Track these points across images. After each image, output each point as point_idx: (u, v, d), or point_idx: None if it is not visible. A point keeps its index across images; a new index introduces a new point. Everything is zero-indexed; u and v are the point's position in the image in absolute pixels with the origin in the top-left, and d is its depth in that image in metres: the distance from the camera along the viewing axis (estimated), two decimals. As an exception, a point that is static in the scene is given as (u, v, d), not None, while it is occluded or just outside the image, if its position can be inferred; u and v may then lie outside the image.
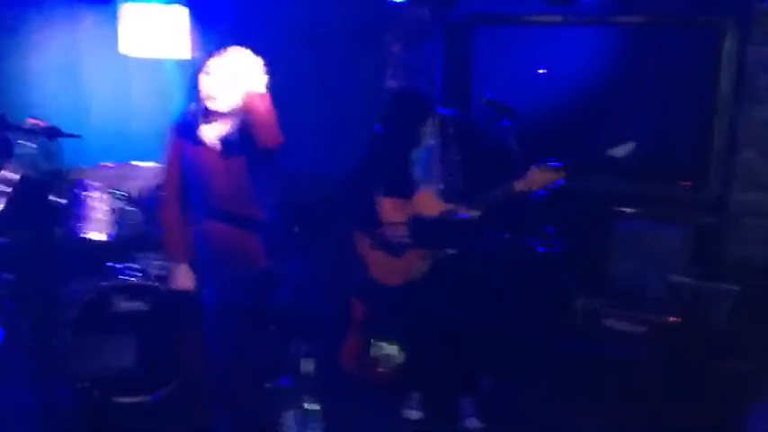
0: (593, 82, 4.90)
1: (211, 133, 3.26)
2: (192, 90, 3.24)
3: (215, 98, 3.18)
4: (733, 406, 3.66)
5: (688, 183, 4.75)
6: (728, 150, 4.59)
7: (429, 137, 3.79)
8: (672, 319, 4.12)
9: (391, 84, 5.36)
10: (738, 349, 3.97)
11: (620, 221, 4.75)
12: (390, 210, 3.83)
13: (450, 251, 3.72)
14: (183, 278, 3.31)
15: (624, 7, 4.73)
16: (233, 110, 3.22)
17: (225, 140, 3.25)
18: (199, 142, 3.25)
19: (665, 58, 4.80)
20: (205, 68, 3.17)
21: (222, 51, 3.19)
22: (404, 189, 3.81)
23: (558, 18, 4.96)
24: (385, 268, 3.84)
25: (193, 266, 3.33)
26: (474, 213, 3.60)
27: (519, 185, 3.52)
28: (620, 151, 4.34)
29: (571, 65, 4.94)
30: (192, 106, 3.26)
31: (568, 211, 4.51)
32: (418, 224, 3.70)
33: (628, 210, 4.78)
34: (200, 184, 3.27)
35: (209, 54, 3.21)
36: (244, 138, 3.23)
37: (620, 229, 4.73)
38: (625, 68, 4.88)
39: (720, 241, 4.55)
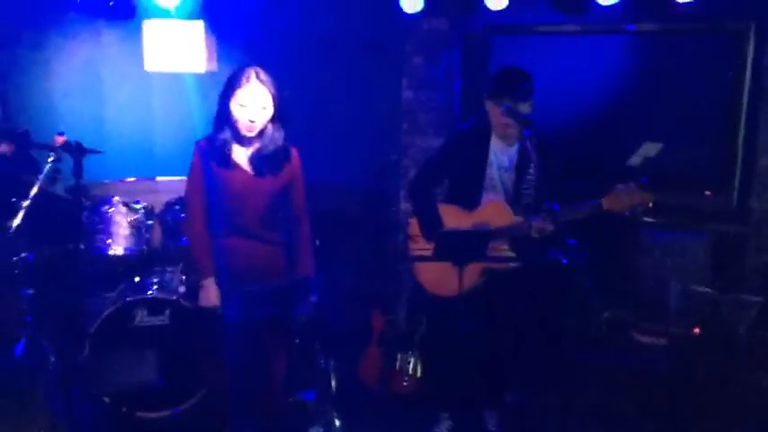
0: (613, 91, 4.86)
1: (243, 156, 3.33)
2: (223, 116, 3.27)
3: (252, 127, 3.26)
4: (755, 417, 3.61)
5: (710, 191, 4.69)
6: (750, 158, 4.54)
7: (510, 146, 3.68)
8: (694, 329, 4.08)
9: (408, 94, 5.37)
10: (761, 360, 3.92)
11: (641, 231, 4.70)
12: (452, 219, 3.72)
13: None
14: (210, 293, 3.33)
15: (642, 15, 4.69)
16: (265, 129, 3.30)
17: (257, 161, 3.32)
18: (230, 165, 3.30)
19: (685, 65, 4.75)
20: (236, 98, 3.22)
21: (248, 80, 3.22)
22: (466, 196, 3.71)
23: (575, 27, 4.94)
24: (439, 277, 3.69)
25: (218, 281, 3.35)
26: (548, 227, 3.40)
27: (606, 204, 3.28)
28: (651, 150, 4.28)
29: (590, 74, 4.91)
30: (224, 133, 3.29)
31: (590, 221, 4.48)
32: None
33: (649, 219, 4.73)
34: (228, 202, 3.32)
35: (236, 81, 3.23)
36: (275, 158, 3.32)
37: (641, 238, 4.68)
38: (644, 77, 4.83)
39: (742, 250, 4.49)
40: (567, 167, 3.53)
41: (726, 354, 3.97)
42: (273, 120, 3.29)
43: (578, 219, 3.40)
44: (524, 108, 3.53)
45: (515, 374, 3.99)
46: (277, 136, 3.32)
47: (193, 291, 3.90)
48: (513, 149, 3.67)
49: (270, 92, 3.24)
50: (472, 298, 3.64)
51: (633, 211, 3.27)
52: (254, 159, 3.32)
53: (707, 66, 4.69)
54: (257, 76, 3.23)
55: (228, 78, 3.28)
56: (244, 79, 3.22)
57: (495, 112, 3.59)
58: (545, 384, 4.30)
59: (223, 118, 3.29)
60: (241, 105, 3.22)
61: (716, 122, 4.67)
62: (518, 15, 4.87)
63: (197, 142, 3.36)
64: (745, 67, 4.54)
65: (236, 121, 3.25)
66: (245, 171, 3.31)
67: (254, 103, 3.22)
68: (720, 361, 3.95)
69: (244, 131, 3.26)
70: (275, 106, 3.27)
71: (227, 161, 3.30)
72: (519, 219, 3.53)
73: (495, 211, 3.62)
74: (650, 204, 3.24)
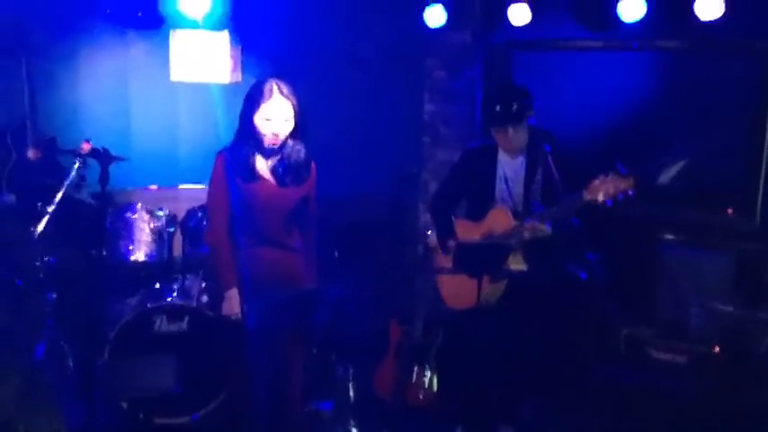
0: (635, 107, 4.84)
1: (265, 167, 3.36)
2: (246, 130, 3.30)
3: (277, 140, 3.28)
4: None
5: (732, 210, 4.65)
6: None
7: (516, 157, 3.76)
8: (715, 348, 4.03)
9: (429, 107, 5.39)
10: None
11: (662, 248, 4.67)
12: (463, 231, 3.84)
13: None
14: (233, 303, 3.35)
15: (666, 32, 4.67)
16: (286, 141, 3.33)
17: (280, 172, 3.35)
18: (255, 177, 3.33)
19: (709, 83, 4.72)
20: (261, 112, 3.24)
21: (272, 93, 3.24)
22: (479, 210, 3.81)
23: (598, 43, 4.93)
24: (458, 291, 3.77)
25: (242, 290, 3.37)
26: (543, 229, 3.51)
27: (587, 195, 3.36)
28: (672, 172, 4.25)
29: (612, 90, 4.90)
30: (247, 146, 3.31)
31: (611, 237, 4.46)
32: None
33: (670, 236, 4.70)
34: (254, 213, 3.34)
35: (259, 95, 3.25)
36: (299, 170, 3.36)
37: (662, 255, 4.65)
38: (667, 94, 4.81)
39: (764, 269, 4.44)
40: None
41: (746, 372, 3.92)
42: (294, 131, 3.33)
43: (565, 212, 3.47)
44: (522, 125, 3.62)
45: (531, 389, 3.96)
46: (298, 147, 3.35)
47: (213, 298, 3.95)
48: (518, 161, 3.75)
49: (292, 104, 3.27)
50: (490, 312, 3.66)
51: (615, 200, 3.29)
52: (276, 170, 3.35)
53: (730, 84, 4.66)
54: (280, 90, 3.25)
55: (250, 92, 3.30)
56: (267, 93, 3.24)
57: (494, 132, 3.72)
58: (561, 400, 4.26)
59: (246, 132, 3.30)
60: (266, 119, 3.25)
61: (739, 141, 4.63)
62: (541, 30, 4.86)
63: (219, 152, 3.38)
64: (770, 85, 4.51)
65: (260, 135, 3.28)
66: (270, 182, 3.35)
67: (278, 117, 3.25)
68: (741, 380, 3.90)
69: (268, 144, 3.29)
70: (297, 118, 3.31)
71: (253, 174, 3.33)
72: (516, 223, 3.60)
73: (497, 218, 3.72)
74: (630, 192, 3.26)
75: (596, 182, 3.34)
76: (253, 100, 3.27)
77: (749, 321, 4.05)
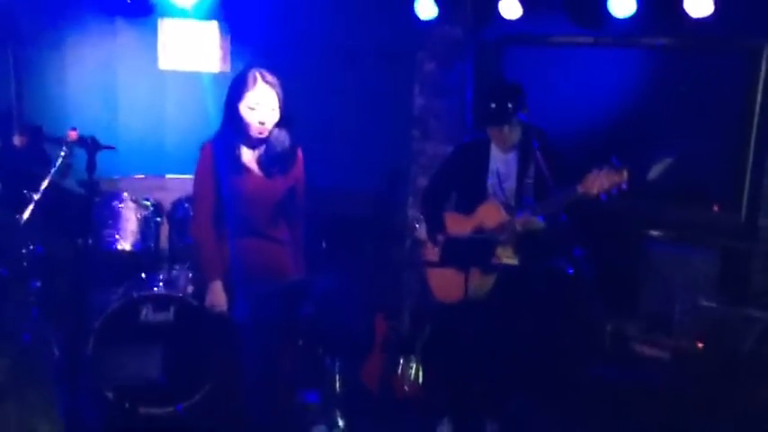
0: (625, 104, 4.86)
1: (251, 158, 3.34)
2: (232, 118, 3.27)
3: (263, 129, 3.26)
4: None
5: (718, 207, 4.68)
6: (760, 175, 4.52)
7: (508, 150, 3.77)
8: (698, 344, 4.06)
9: (419, 101, 5.39)
10: (765, 377, 3.90)
11: (648, 244, 4.69)
12: (453, 224, 3.86)
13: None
14: (217, 295, 3.33)
15: (656, 29, 4.69)
16: (271, 130, 3.31)
17: (266, 162, 3.33)
18: (240, 169, 3.31)
19: (698, 81, 4.73)
20: (246, 100, 3.22)
21: (256, 82, 3.22)
22: (470, 204, 3.83)
23: (588, 39, 4.93)
24: (447, 283, 3.79)
25: (226, 281, 3.36)
26: (535, 222, 3.54)
27: (581, 189, 3.36)
28: (660, 169, 4.27)
29: (602, 87, 4.91)
30: (232, 136, 3.29)
31: (597, 233, 4.48)
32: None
33: (656, 233, 4.72)
34: (240, 205, 3.33)
35: (243, 84, 3.23)
36: (284, 158, 3.34)
37: (648, 251, 4.68)
38: (656, 91, 4.83)
39: (749, 267, 4.47)
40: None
41: (730, 369, 3.95)
42: (279, 121, 3.31)
43: (558, 206, 3.49)
44: (517, 122, 3.64)
45: (517, 383, 3.98)
46: (283, 137, 3.33)
47: (200, 289, 3.94)
48: (510, 156, 3.77)
49: (276, 92, 3.25)
50: (478, 305, 3.67)
51: (609, 194, 3.31)
52: (262, 161, 3.33)
53: (719, 81, 4.68)
54: (264, 78, 3.23)
55: (234, 82, 3.28)
56: (251, 81, 3.21)
57: (490, 129, 3.75)
58: (546, 394, 4.29)
59: (232, 122, 3.28)
60: (250, 108, 3.22)
61: (727, 138, 4.66)
62: (532, 25, 4.87)
63: (204, 145, 3.36)
64: (757, 84, 4.53)
65: (246, 125, 3.25)
66: (256, 174, 3.33)
67: (263, 105, 3.23)
68: (723, 376, 3.93)
69: (254, 134, 3.27)
70: (281, 106, 3.28)
71: (238, 166, 3.31)
72: (508, 217, 3.63)
73: (488, 212, 3.73)
74: (624, 185, 3.28)
75: (591, 175, 3.35)
76: (237, 89, 3.24)
77: (733, 318, 4.08)
